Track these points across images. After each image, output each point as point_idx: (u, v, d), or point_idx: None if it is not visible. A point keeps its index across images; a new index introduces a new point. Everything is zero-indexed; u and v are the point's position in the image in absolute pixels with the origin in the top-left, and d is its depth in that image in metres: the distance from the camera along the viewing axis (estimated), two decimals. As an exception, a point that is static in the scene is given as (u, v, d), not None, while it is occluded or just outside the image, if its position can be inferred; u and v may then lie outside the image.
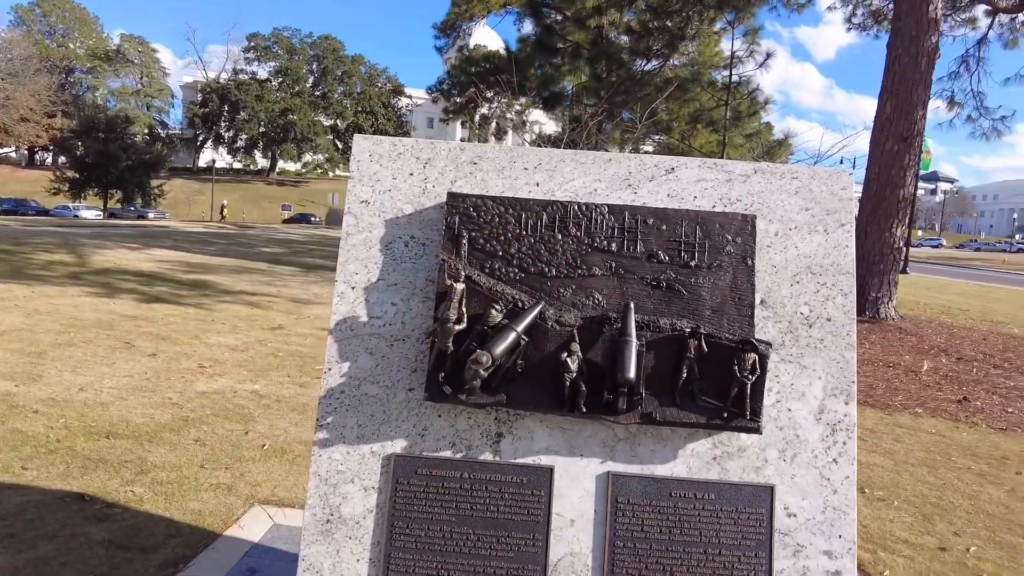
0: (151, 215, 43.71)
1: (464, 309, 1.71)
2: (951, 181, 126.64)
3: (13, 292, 8.81)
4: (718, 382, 1.73)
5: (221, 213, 50.12)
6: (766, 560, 1.74)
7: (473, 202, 1.86)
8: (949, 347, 9.90)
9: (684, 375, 1.72)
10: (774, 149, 20.30)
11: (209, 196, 55.71)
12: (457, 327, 1.68)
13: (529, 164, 1.96)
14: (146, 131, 62.57)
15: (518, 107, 25.13)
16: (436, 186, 1.95)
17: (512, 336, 1.67)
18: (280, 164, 76.92)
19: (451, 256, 1.82)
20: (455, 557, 1.72)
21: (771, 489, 1.77)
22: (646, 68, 15.25)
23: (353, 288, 1.90)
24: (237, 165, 75.59)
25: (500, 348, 1.64)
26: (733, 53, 18.00)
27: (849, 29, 18.05)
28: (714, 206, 1.93)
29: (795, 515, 1.78)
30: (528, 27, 22.48)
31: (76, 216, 41.01)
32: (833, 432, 1.82)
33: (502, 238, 1.84)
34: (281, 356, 6.38)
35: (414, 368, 1.84)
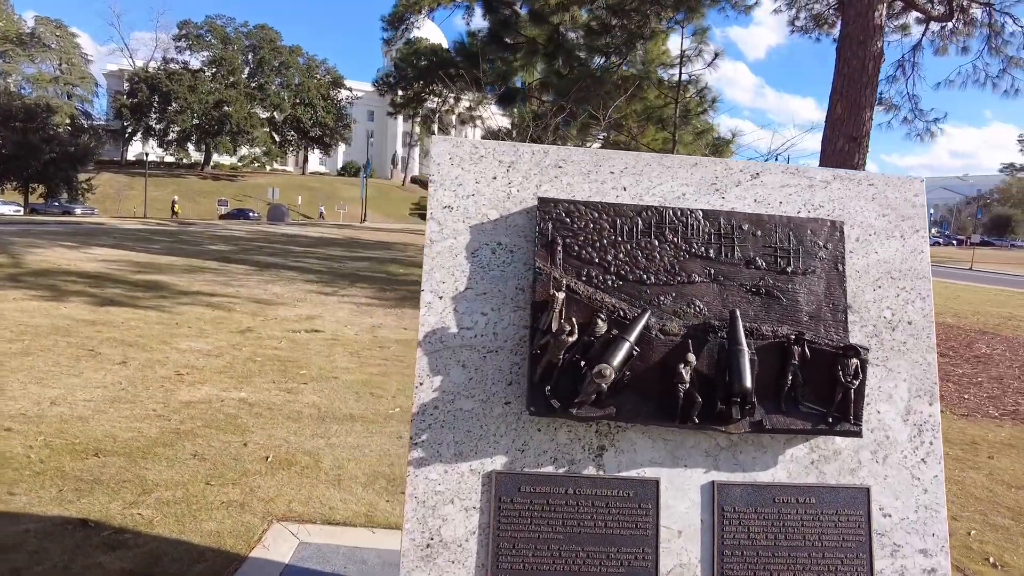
0: (78, 211, 41.21)
1: (576, 320, 1.65)
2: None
3: (-55, 297, 8.11)
4: (819, 387, 1.74)
5: (172, 209, 47.98)
6: (867, 561, 1.76)
7: (565, 207, 1.80)
8: (899, 337, 10.44)
9: (789, 381, 1.72)
10: (721, 147, 20.90)
11: (140, 191, 52.88)
12: (570, 339, 1.62)
13: (615, 168, 1.92)
14: (68, 121, 58.70)
15: (468, 102, 24.97)
16: (521, 190, 1.88)
17: (626, 347, 1.62)
18: (215, 158, 73.82)
19: (546, 264, 1.76)
20: (565, 576, 1.67)
21: (867, 491, 1.80)
22: (605, 65, 15.38)
23: (440, 298, 1.81)
24: (169, 159, 72.07)
25: (618, 360, 1.59)
26: (683, 52, 18.39)
27: (792, 32, 18.69)
28: (799, 211, 1.94)
29: (890, 515, 1.81)
30: (477, 21, 22.32)
31: (-9, 212, 38.23)
32: (920, 432, 1.86)
33: (597, 244, 1.79)
34: (260, 361, 6.10)
35: (509, 381, 1.77)
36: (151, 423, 4.28)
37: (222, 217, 49.90)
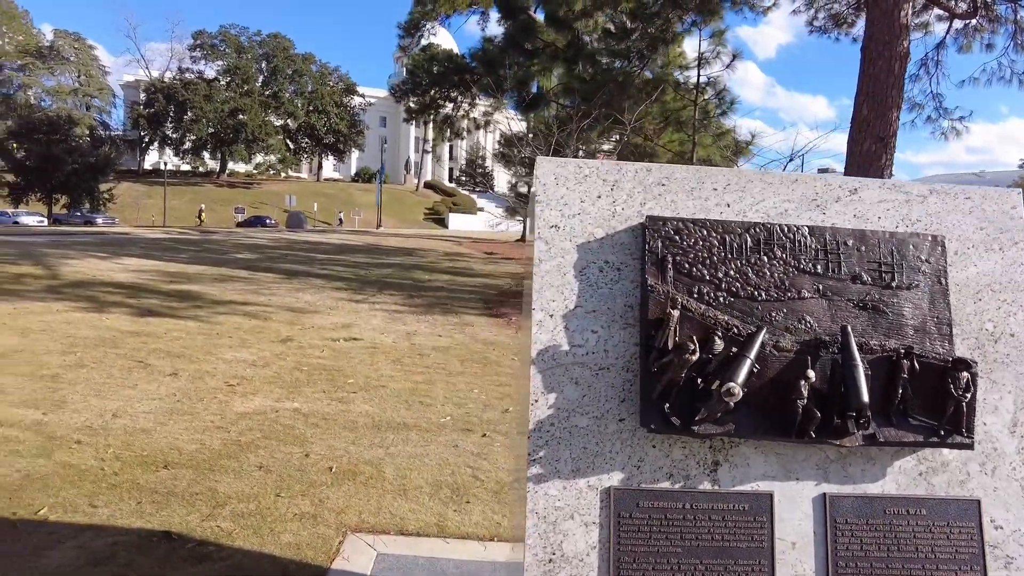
0: (99, 220, 41.80)
1: (695, 338, 1.68)
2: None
3: (-8, 309, 8.28)
4: (927, 400, 1.76)
5: (199, 218, 48.97)
6: (980, 573, 1.77)
7: (674, 225, 1.84)
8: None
9: (899, 395, 1.74)
10: (742, 149, 20.81)
11: (157, 200, 53.61)
12: (692, 357, 1.65)
13: (718, 184, 1.95)
14: (87, 132, 59.55)
15: (485, 107, 25.09)
16: (625, 208, 1.92)
17: (747, 364, 1.66)
18: (230, 165, 74.58)
19: (658, 281, 1.79)
20: (685, 589, 1.70)
21: (977, 503, 1.81)
22: (627, 69, 15.41)
23: (551, 316, 1.85)
24: (185, 167, 72.89)
25: (742, 377, 1.63)
26: (700, 54, 18.38)
27: (811, 32, 18.59)
28: (896, 226, 1.96)
29: (1001, 527, 1.82)
30: (492, 27, 22.44)
31: (16, 223, 38.90)
32: (1027, 445, 1.87)
33: (707, 262, 1.82)
34: (306, 371, 6.19)
35: (622, 398, 1.80)
36: (212, 435, 4.36)
37: (239, 225, 50.40)
